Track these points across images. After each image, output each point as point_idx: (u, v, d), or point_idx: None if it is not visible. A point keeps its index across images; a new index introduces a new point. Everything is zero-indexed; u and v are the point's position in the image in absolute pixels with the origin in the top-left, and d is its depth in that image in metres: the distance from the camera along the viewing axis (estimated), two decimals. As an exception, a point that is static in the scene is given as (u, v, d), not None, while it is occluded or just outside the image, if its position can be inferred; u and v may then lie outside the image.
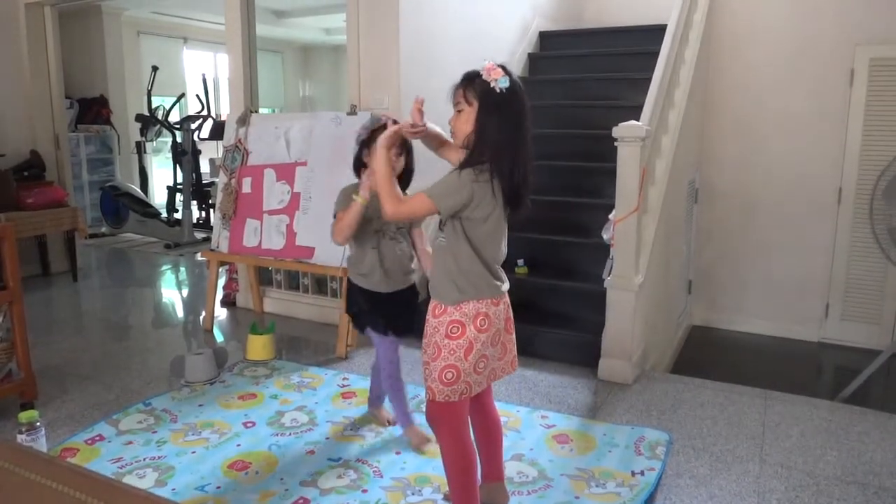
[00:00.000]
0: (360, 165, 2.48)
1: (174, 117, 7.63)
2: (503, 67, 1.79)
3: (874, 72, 4.54)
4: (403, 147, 2.36)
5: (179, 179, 7.26)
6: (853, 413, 2.94)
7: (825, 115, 4.70)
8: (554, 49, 5.55)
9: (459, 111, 1.81)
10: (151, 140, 8.05)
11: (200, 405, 2.93)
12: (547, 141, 4.72)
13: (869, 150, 4.57)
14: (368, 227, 2.47)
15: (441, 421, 1.92)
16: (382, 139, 1.90)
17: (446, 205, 1.78)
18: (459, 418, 1.92)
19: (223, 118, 6.56)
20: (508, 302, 1.98)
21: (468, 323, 1.83)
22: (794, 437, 2.70)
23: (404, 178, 2.45)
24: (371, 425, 2.74)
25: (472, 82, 1.79)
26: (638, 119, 3.31)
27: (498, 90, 1.76)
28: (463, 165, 1.79)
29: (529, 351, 3.59)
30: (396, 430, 2.69)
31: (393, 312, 2.54)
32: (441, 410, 1.88)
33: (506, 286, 1.94)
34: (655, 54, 3.84)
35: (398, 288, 2.54)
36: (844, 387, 3.85)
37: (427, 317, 1.91)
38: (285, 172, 3.85)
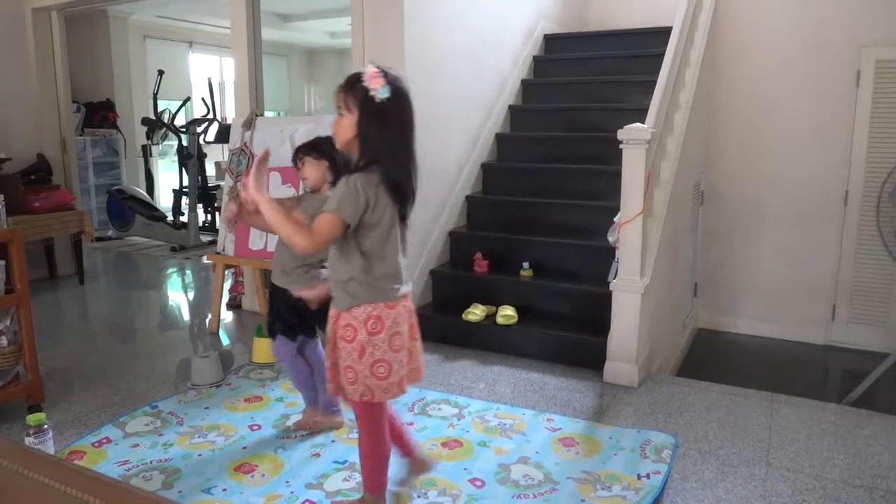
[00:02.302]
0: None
1: (180, 121, 7.66)
2: (386, 74, 1.78)
3: (880, 73, 4.52)
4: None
5: (185, 183, 7.28)
6: (860, 416, 2.93)
7: (831, 117, 4.69)
8: (559, 52, 5.55)
9: (340, 115, 1.82)
10: (157, 143, 8.09)
11: (207, 408, 2.94)
12: (552, 144, 4.73)
13: (875, 152, 4.55)
14: None
15: (359, 416, 2.02)
16: (251, 188, 1.86)
17: (351, 214, 1.78)
18: (374, 415, 1.99)
19: (229, 121, 6.58)
20: (411, 306, 1.97)
21: (359, 327, 1.85)
22: (801, 441, 2.69)
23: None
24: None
25: (353, 87, 1.78)
26: (643, 121, 3.30)
27: (378, 99, 1.75)
28: (350, 172, 1.81)
29: (535, 353, 3.59)
30: (402, 433, 2.69)
31: (275, 307, 2.65)
32: (359, 409, 1.98)
33: (405, 289, 1.93)
34: (660, 57, 3.83)
35: (279, 284, 2.59)
36: (851, 390, 3.84)
37: (328, 324, 1.95)
38: (291, 175, 3.86)
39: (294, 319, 2.59)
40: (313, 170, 2.48)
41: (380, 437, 2.01)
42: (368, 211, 1.79)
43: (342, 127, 1.81)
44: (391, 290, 1.88)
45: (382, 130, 1.78)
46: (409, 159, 1.83)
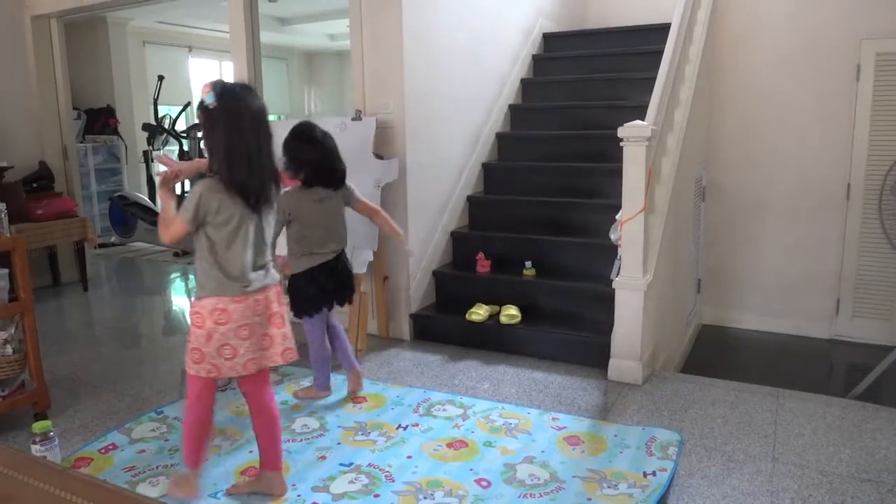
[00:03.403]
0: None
1: (181, 126, 7.67)
2: (214, 83, 1.94)
3: (880, 66, 4.51)
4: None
5: (187, 187, 7.29)
6: (866, 410, 2.92)
7: (832, 111, 4.67)
8: (558, 50, 5.55)
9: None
10: (158, 149, 8.09)
11: (212, 412, 2.94)
12: (553, 142, 4.73)
13: (877, 145, 4.54)
14: None
15: (189, 388, 2.14)
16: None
17: (188, 218, 1.98)
18: (200, 389, 2.12)
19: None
20: (267, 298, 2.10)
21: (206, 316, 2.01)
22: (807, 436, 2.68)
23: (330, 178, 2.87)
24: (382, 429, 2.75)
25: (200, 104, 1.96)
26: (643, 118, 3.30)
27: (210, 107, 1.93)
28: (200, 177, 2.00)
29: (539, 352, 3.59)
30: (408, 434, 2.70)
31: (310, 288, 2.90)
32: (190, 380, 2.12)
33: (253, 286, 2.05)
34: (660, 54, 3.82)
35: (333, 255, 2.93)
36: (857, 384, 3.83)
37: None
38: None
39: (332, 288, 2.87)
40: None
41: (199, 412, 2.14)
42: (210, 215, 1.96)
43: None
44: (233, 286, 2.02)
45: (217, 135, 1.95)
46: (252, 160, 1.96)
